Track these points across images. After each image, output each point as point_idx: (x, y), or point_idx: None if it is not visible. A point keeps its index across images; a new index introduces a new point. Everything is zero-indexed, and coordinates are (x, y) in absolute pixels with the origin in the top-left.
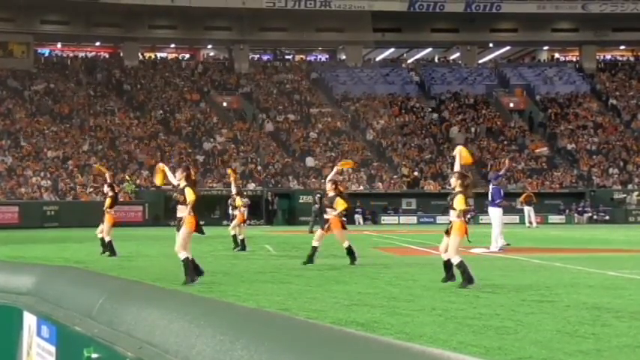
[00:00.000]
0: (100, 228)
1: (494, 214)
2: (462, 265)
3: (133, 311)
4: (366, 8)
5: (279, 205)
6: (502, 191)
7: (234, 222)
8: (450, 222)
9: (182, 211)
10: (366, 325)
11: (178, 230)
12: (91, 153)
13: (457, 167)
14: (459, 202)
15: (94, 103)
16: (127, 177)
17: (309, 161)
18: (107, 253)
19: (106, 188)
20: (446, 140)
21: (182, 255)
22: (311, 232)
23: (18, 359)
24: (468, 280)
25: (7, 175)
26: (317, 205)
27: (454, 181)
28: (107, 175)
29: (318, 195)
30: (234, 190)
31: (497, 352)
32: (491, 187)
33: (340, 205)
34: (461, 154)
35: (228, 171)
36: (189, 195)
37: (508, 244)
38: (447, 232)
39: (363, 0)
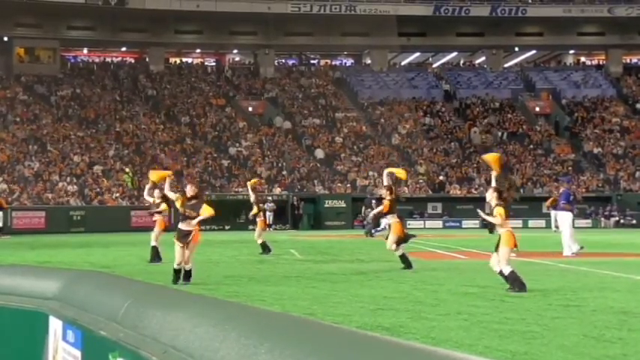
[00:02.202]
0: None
1: (563, 218)
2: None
3: (158, 315)
4: (391, 12)
5: (305, 209)
6: (571, 195)
7: (258, 230)
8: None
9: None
10: (392, 330)
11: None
12: (116, 158)
13: (494, 181)
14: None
15: (119, 108)
16: (126, 169)
17: (319, 153)
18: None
19: (157, 193)
20: (471, 144)
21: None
22: (369, 235)
23: None
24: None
25: (33, 180)
26: (369, 210)
27: (489, 195)
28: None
29: (374, 200)
30: (252, 199)
31: (524, 356)
32: (560, 190)
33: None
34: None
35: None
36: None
37: (582, 248)
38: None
39: (388, 4)
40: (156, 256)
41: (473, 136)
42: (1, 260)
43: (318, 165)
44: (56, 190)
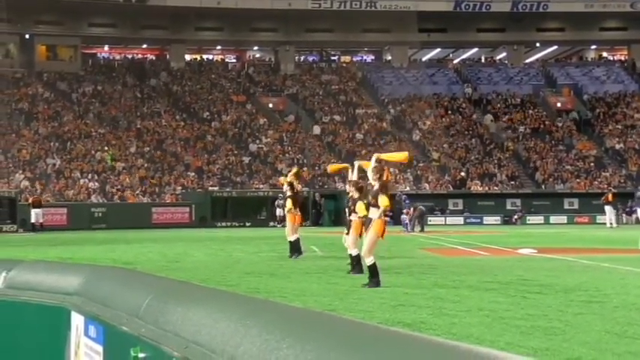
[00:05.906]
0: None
1: None
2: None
3: (180, 311)
4: (412, 8)
5: (326, 206)
6: None
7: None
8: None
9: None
10: (413, 326)
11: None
12: (137, 155)
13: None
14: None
15: (140, 105)
16: (107, 148)
17: (316, 129)
18: (295, 255)
19: (285, 187)
20: (492, 140)
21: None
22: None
23: (66, 359)
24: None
25: (55, 176)
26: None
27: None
28: (284, 181)
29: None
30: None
31: (546, 352)
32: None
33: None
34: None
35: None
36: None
37: None
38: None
39: (408, 0)
40: (297, 249)
41: (489, 125)
42: (24, 256)
43: (318, 140)
44: (77, 187)
